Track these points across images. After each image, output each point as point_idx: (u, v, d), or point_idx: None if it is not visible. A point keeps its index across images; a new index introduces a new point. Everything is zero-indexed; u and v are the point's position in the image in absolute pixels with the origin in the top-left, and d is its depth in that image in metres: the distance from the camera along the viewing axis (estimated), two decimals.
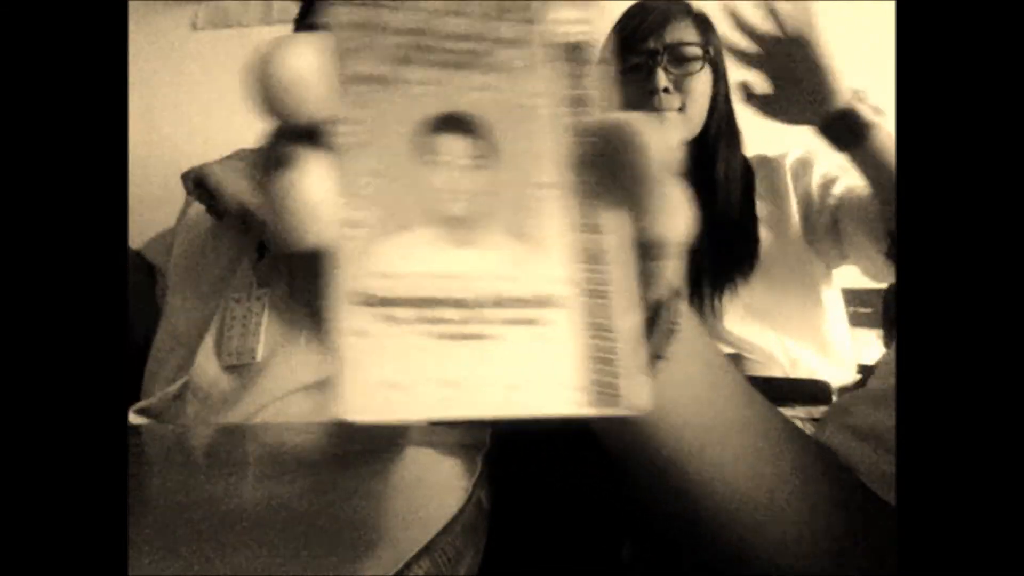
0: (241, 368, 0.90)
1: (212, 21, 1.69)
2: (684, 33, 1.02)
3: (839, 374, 1.00)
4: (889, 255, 0.96)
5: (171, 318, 0.99)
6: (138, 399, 0.95)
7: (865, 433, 0.36)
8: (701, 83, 1.03)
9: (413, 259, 0.20)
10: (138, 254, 1.10)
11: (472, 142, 0.21)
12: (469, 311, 0.20)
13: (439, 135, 0.21)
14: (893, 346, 0.40)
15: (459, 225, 0.20)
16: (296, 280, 0.21)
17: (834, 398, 0.95)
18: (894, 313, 1.16)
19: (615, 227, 0.21)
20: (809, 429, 0.90)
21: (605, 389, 0.20)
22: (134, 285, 1.08)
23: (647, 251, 0.22)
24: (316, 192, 0.19)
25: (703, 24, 1.05)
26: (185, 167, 0.99)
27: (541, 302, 0.20)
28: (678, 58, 1.01)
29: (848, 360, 1.03)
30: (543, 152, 0.21)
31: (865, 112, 0.84)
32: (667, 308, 0.27)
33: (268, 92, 0.19)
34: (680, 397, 0.29)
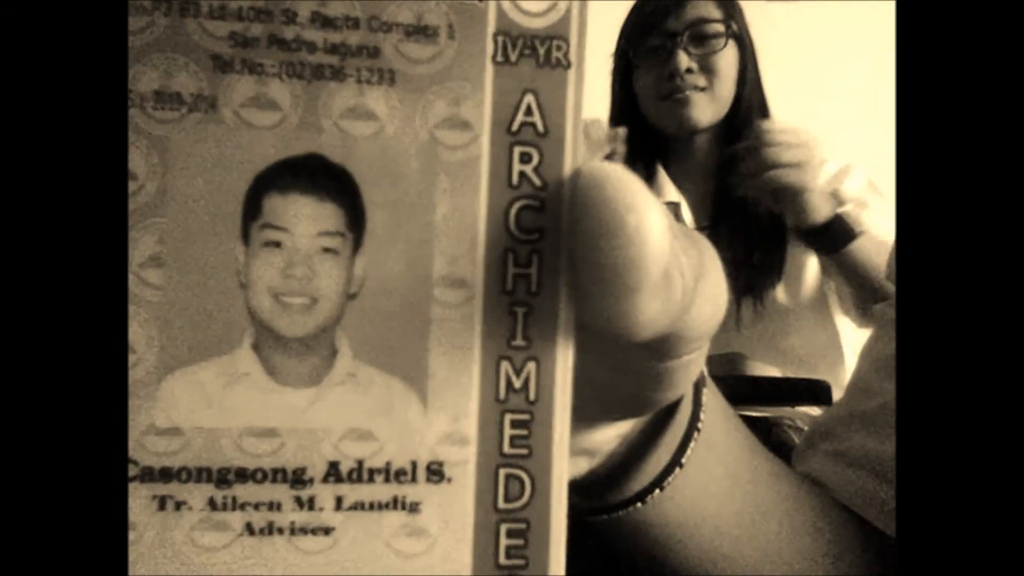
0: None
1: None
2: (705, 10, 0.99)
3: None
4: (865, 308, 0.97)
5: None
6: None
7: (859, 460, 0.33)
8: (726, 60, 0.99)
9: (214, 406, 0.13)
10: None
11: (326, 208, 0.13)
12: (301, 489, 0.13)
13: (270, 198, 0.13)
14: (869, 350, 0.39)
15: (294, 349, 0.13)
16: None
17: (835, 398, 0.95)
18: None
19: (559, 348, 0.13)
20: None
21: None
22: None
23: (656, 351, 0.15)
24: None
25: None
26: None
27: (418, 474, 0.13)
28: (700, 36, 0.98)
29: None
30: (451, 226, 0.13)
31: (850, 220, 0.88)
32: (689, 404, 0.23)
33: None
34: (697, 502, 0.25)
